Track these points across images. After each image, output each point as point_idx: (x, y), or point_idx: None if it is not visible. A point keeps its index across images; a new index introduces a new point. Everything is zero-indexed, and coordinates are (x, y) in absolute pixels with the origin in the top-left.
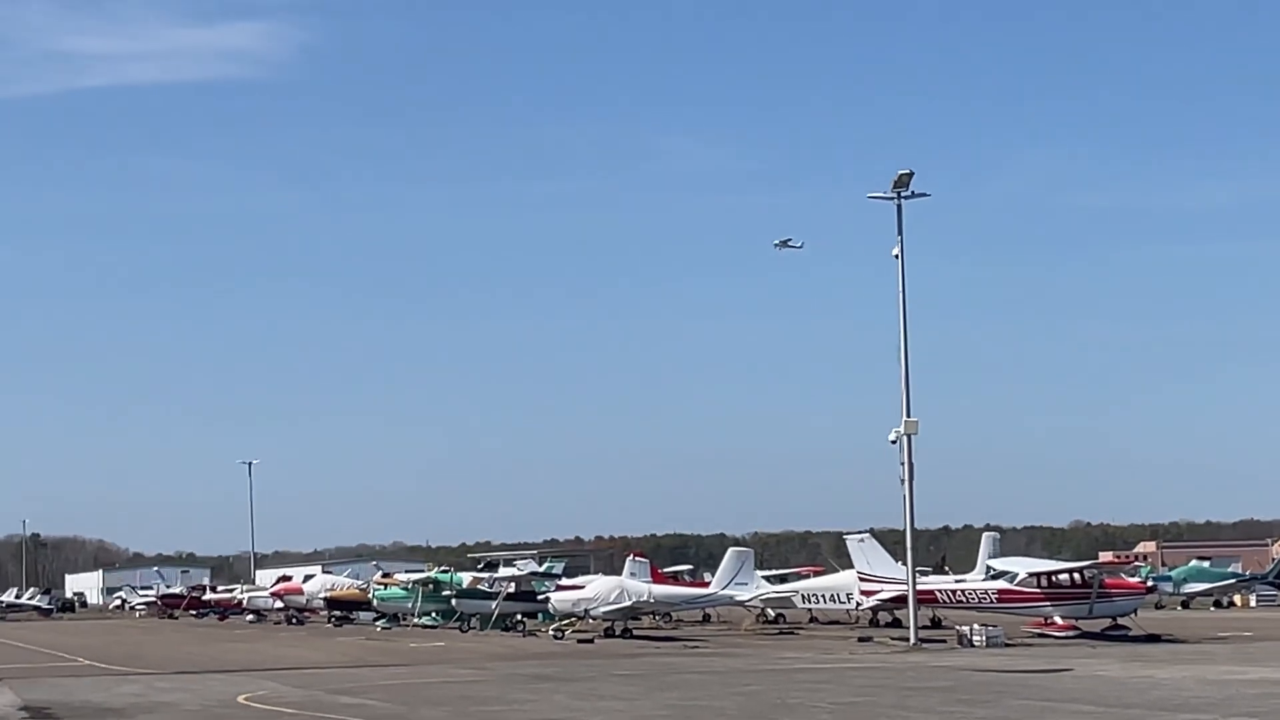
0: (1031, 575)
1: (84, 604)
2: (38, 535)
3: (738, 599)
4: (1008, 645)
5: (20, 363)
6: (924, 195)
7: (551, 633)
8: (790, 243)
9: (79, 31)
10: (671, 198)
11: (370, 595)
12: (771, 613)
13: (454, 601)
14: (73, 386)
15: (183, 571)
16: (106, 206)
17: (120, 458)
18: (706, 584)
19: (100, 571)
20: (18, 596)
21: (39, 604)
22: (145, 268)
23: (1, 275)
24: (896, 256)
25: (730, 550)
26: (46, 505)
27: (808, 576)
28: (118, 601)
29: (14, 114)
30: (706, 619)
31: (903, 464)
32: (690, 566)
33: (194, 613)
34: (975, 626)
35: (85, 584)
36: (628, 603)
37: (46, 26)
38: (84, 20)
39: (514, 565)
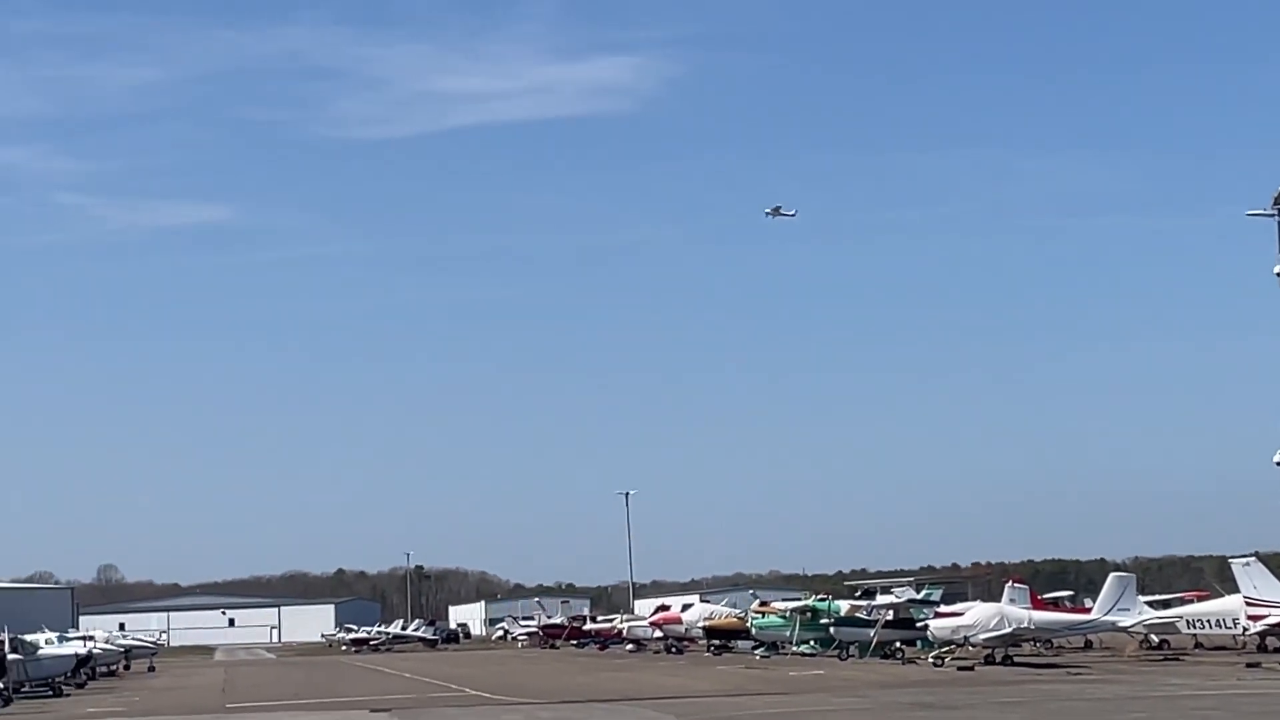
0: None
1: (468, 635)
2: (421, 567)
3: (1120, 625)
4: None
5: (402, 401)
6: None
7: (931, 660)
8: (782, 210)
9: (450, 71)
10: (1042, 221)
11: (748, 624)
12: (1155, 639)
13: (832, 629)
14: (452, 421)
15: (563, 602)
16: (477, 244)
17: (501, 490)
18: (1087, 610)
19: (483, 602)
20: (403, 628)
21: (424, 635)
22: (519, 303)
23: (382, 314)
24: (1279, 275)
25: (1112, 576)
26: (430, 538)
27: (1192, 602)
28: (500, 632)
29: (389, 153)
30: (1088, 645)
31: None
32: (1070, 592)
33: (574, 642)
34: None
35: (468, 615)
36: (1008, 629)
37: (419, 68)
38: (456, 60)
39: (891, 592)
